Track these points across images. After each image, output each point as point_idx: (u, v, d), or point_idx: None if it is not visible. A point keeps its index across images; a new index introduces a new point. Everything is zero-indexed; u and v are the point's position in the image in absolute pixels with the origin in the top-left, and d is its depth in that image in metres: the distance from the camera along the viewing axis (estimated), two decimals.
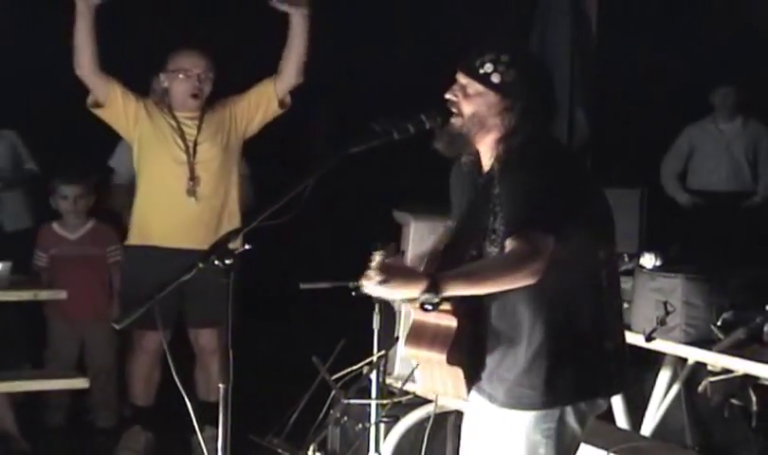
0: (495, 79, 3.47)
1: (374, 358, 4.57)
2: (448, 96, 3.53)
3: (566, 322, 3.45)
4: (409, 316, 3.81)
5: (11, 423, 5.79)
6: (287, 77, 5.82)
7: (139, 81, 6.01)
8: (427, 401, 5.03)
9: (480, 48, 3.53)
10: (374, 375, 4.59)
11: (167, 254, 5.59)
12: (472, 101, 3.49)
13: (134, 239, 5.94)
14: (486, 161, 3.57)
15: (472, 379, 3.62)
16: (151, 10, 7.38)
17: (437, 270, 3.39)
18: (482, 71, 3.48)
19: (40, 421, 6.39)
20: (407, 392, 4.95)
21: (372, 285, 3.32)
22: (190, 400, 3.75)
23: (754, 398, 5.50)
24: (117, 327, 3.77)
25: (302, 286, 4.62)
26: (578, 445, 3.64)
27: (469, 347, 3.59)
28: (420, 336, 3.59)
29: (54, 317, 6.44)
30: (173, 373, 3.72)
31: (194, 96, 5.82)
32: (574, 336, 3.46)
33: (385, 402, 4.70)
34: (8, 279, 5.62)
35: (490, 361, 3.54)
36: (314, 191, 3.51)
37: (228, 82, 5.98)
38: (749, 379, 5.12)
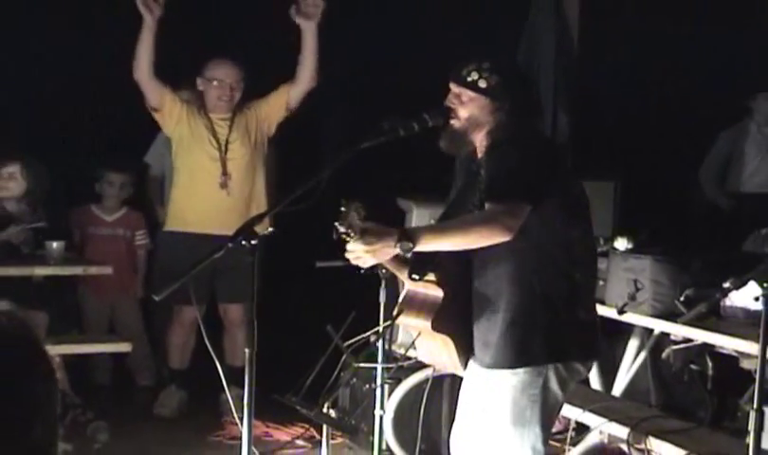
0: (482, 84, 3.50)
1: (380, 328, 4.54)
2: (446, 104, 3.56)
3: (541, 292, 3.43)
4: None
5: (64, 380, 5.75)
6: (302, 83, 5.78)
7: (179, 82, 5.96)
8: (426, 366, 4.99)
9: (464, 60, 3.57)
10: (380, 343, 4.56)
11: (201, 239, 5.56)
12: (467, 106, 3.52)
13: (171, 225, 5.93)
14: (479, 153, 3.57)
15: (465, 351, 3.57)
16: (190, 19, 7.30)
17: None
18: (469, 79, 3.51)
19: (89, 379, 6.37)
20: (408, 358, 4.92)
21: (354, 249, 3.30)
22: (219, 364, 3.71)
23: (710, 364, 5.50)
24: (156, 299, 3.73)
25: (318, 265, 4.58)
26: (560, 408, 3.61)
27: (458, 318, 3.54)
28: (410, 304, 3.57)
29: (87, 292, 6.42)
30: (206, 341, 3.68)
31: (225, 101, 5.79)
32: (547, 305, 3.44)
33: (389, 366, 4.67)
34: (62, 256, 5.60)
35: (477, 328, 3.50)
36: (330, 180, 3.46)
37: (253, 85, 5.95)
38: (707, 347, 5.12)
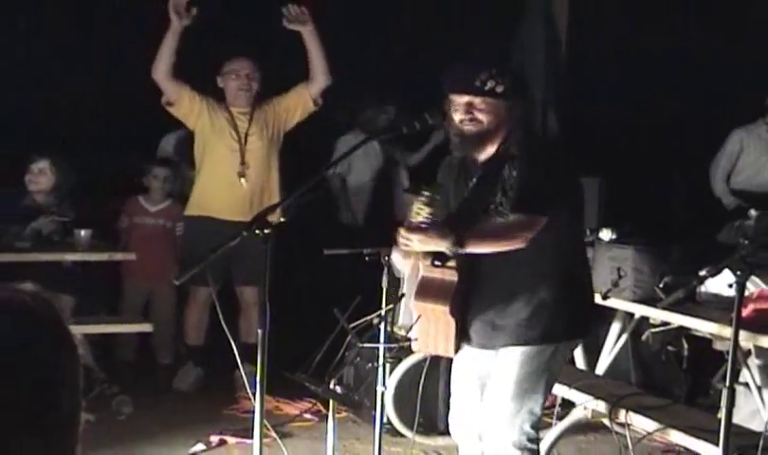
0: (498, 89, 3.46)
1: (383, 311, 4.54)
2: (459, 117, 3.50)
3: (558, 279, 3.53)
4: (413, 276, 3.77)
5: (89, 357, 5.77)
6: (317, 80, 5.79)
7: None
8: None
9: (470, 70, 3.51)
10: (382, 325, 4.55)
11: (219, 224, 5.59)
12: (487, 113, 3.47)
13: (193, 210, 5.94)
14: (488, 153, 3.54)
15: (460, 337, 3.59)
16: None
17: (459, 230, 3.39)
18: (486, 87, 3.46)
19: (114, 357, 6.37)
20: (408, 339, 4.92)
21: (409, 237, 3.32)
22: (234, 343, 3.72)
23: (686, 346, 5.52)
24: (176, 283, 3.73)
25: (326, 252, 4.58)
26: (559, 375, 3.70)
27: (459, 305, 3.56)
28: (427, 289, 3.57)
29: (128, 276, 6.43)
30: (221, 321, 3.68)
31: (244, 91, 5.80)
32: (563, 290, 3.54)
33: (391, 346, 4.67)
34: (89, 242, 5.62)
35: (486, 313, 3.52)
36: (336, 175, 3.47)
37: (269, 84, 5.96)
38: (683, 330, 5.13)
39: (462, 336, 3.62)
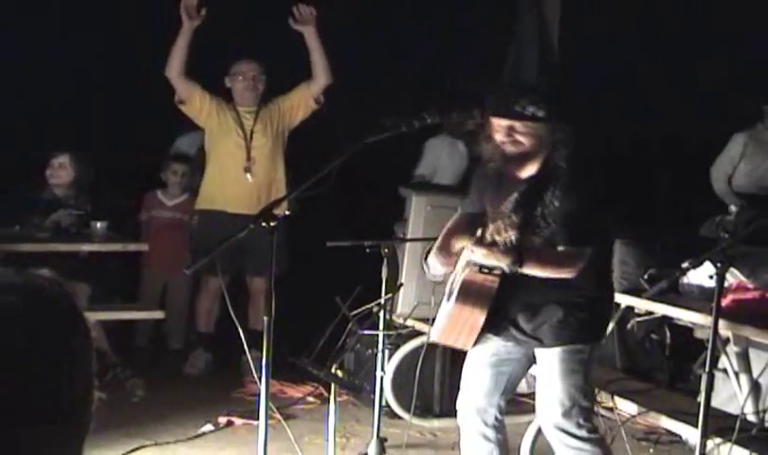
0: (539, 114, 3.44)
1: (382, 300, 4.54)
2: (500, 138, 3.48)
3: (595, 282, 3.57)
4: (436, 270, 3.78)
5: (104, 342, 5.79)
6: (319, 79, 5.80)
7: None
8: (421, 333, 5.00)
9: (511, 95, 3.51)
10: (381, 313, 4.56)
11: (227, 217, 5.59)
12: (526, 136, 3.46)
13: (202, 204, 5.95)
14: (529, 171, 3.54)
15: (481, 332, 3.59)
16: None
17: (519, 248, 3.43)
18: (527, 112, 3.44)
19: (130, 342, 6.39)
20: (406, 326, 4.93)
21: (474, 251, 3.42)
22: (241, 330, 3.72)
23: (668, 334, 5.51)
24: (187, 273, 3.73)
25: (329, 244, 4.58)
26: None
27: (493, 306, 3.55)
28: (468, 292, 3.54)
29: (146, 265, 6.46)
30: (230, 309, 3.69)
31: (250, 91, 5.81)
32: (601, 292, 3.62)
33: (389, 333, 4.67)
34: (104, 234, 5.63)
35: (532, 311, 3.55)
36: (340, 171, 3.46)
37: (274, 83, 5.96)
38: (665, 319, 5.14)
39: (489, 330, 3.60)
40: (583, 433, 3.56)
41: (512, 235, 3.43)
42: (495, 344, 3.65)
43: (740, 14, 7.47)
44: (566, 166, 3.46)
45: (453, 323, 3.61)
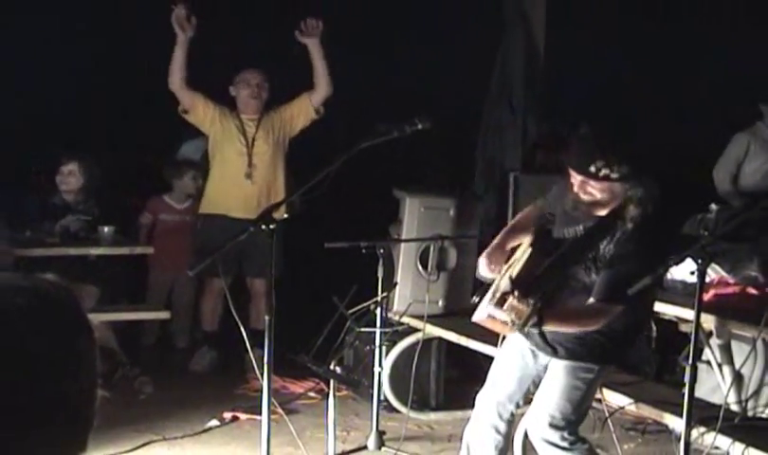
0: (613, 176, 3.41)
1: (379, 299, 4.54)
2: (576, 188, 3.46)
3: (622, 323, 3.50)
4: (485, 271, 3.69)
5: (113, 341, 5.78)
6: (319, 90, 5.78)
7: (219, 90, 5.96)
8: (416, 330, 5.00)
9: (588, 154, 3.43)
10: (378, 311, 4.56)
11: (229, 221, 5.57)
12: (600, 191, 3.44)
13: (205, 208, 5.92)
14: (602, 212, 3.50)
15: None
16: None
17: (541, 299, 3.33)
18: (601, 174, 3.40)
19: (137, 341, 6.37)
20: (401, 324, 4.92)
21: (499, 316, 3.30)
22: (243, 328, 3.71)
23: (654, 328, 5.50)
24: (190, 274, 3.72)
25: (327, 245, 4.58)
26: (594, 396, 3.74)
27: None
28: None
29: (154, 267, 6.43)
30: (232, 309, 3.68)
31: (254, 99, 5.79)
32: (625, 328, 3.56)
33: (386, 330, 4.67)
34: (112, 238, 5.62)
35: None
36: (337, 174, 3.46)
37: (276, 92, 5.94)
38: (652, 314, 5.09)
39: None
40: (565, 445, 3.56)
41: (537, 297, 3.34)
42: (524, 346, 3.66)
43: (726, 27, 7.46)
44: (634, 222, 3.42)
45: (492, 325, 3.57)
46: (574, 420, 3.58)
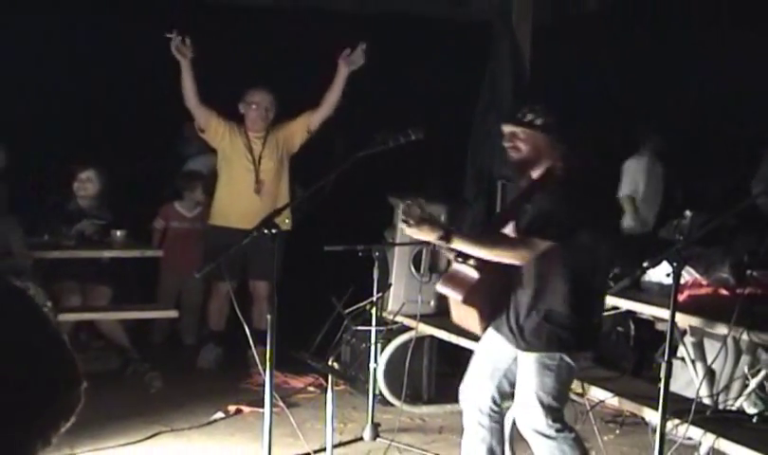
0: (537, 122, 3.46)
1: (374, 299, 4.54)
2: (506, 145, 3.49)
3: (575, 297, 3.46)
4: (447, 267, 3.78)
5: (125, 339, 5.79)
6: (323, 111, 5.74)
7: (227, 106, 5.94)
8: (409, 329, 5.00)
9: (517, 106, 3.55)
10: (374, 310, 4.56)
11: (237, 232, 5.52)
12: (525, 142, 3.47)
13: (215, 220, 5.89)
14: (534, 175, 3.53)
15: (486, 322, 3.58)
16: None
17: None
18: (526, 119, 3.46)
19: (148, 339, 6.36)
20: (395, 322, 4.93)
21: (407, 221, 3.35)
22: (247, 327, 3.72)
23: (632, 326, 5.51)
24: (197, 276, 3.73)
25: (326, 248, 4.58)
26: (574, 377, 3.66)
27: (487, 298, 3.53)
28: (450, 279, 3.57)
29: (164, 270, 6.43)
30: (237, 310, 3.68)
31: (261, 119, 5.76)
32: (579, 306, 3.48)
33: (381, 329, 4.68)
34: (124, 241, 5.65)
35: (513, 314, 3.53)
36: (336, 182, 3.47)
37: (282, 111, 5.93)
38: (630, 313, 5.11)
39: (489, 322, 3.61)
40: (552, 433, 3.53)
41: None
42: (496, 338, 3.64)
43: (711, 43, 7.44)
44: (561, 174, 3.44)
45: (455, 310, 3.62)
46: (555, 407, 3.54)
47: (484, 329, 3.61)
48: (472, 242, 3.43)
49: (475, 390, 3.69)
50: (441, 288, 3.62)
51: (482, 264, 3.46)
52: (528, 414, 3.55)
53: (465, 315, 3.59)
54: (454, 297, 3.54)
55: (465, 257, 3.46)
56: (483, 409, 3.68)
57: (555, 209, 3.36)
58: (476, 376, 3.70)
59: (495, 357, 3.66)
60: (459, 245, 3.38)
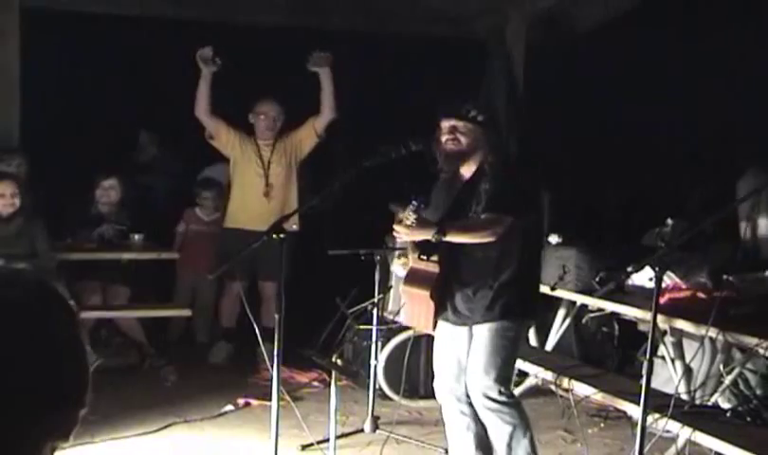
0: (479, 118, 3.51)
1: (375, 300, 4.55)
2: (445, 137, 3.52)
3: (520, 272, 3.52)
4: (400, 272, 3.80)
5: (142, 335, 5.80)
6: (324, 116, 5.75)
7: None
8: (408, 328, 5.00)
9: (457, 102, 3.56)
10: (375, 311, 4.56)
11: (249, 234, 5.54)
12: (465, 135, 3.51)
13: (228, 223, 5.91)
14: (470, 170, 3.57)
15: (438, 315, 3.60)
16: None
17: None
18: (470, 115, 3.51)
19: (163, 336, 6.35)
20: (396, 322, 4.93)
21: (399, 232, 3.40)
22: (256, 325, 3.72)
23: (617, 327, 5.51)
24: (210, 277, 3.72)
25: (331, 252, 4.59)
26: (520, 345, 3.70)
27: (440, 291, 3.57)
28: (414, 277, 3.59)
29: (181, 270, 6.42)
30: (247, 308, 3.69)
31: (270, 129, 5.78)
32: (523, 280, 3.56)
33: (382, 328, 4.68)
34: (142, 244, 5.66)
35: (464, 295, 3.55)
36: (340, 191, 3.49)
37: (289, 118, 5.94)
38: (614, 315, 5.13)
39: (441, 315, 3.63)
40: (503, 398, 3.54)
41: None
42: (449, 329, 3.65)
43: (702, 63, 7.41)
44: (495, 162, 3.50)
45: (410, 308, 3.65)
46: (507, 376, 3.56)
47: (435, 324, 3.64)
48: (462, 230, 3.47)
49: (449, 382, 3.69)
50: (407, 288, 3.64)
51: (441, 260, 3.50)
52: (480, 381, 3.54)
53: (425, 311, 3.60)
54: (421, 293, 3.56)
55: (428, 255, 3.50)
56: (461, 398, 3.68)
57: (506, 188, 3.44)
58: (445, 369, 3.71)
59: (454, 347, 3.67)
60: (452, 236, 3.42)
